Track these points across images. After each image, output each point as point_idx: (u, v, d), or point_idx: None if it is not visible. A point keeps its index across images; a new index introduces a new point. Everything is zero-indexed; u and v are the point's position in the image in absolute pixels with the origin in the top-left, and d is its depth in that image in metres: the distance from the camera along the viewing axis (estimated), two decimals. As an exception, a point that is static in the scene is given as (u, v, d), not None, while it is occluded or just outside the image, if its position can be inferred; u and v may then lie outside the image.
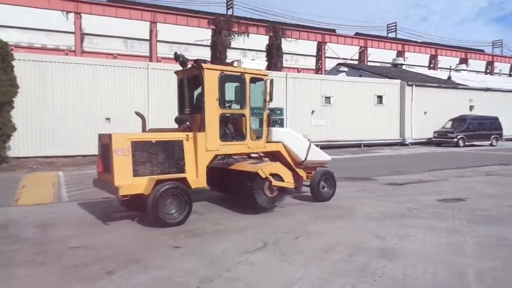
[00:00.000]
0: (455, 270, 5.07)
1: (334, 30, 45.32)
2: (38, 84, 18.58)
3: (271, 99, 8.60)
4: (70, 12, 30.26)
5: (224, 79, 8.23)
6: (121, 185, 6.86)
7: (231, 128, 8.51)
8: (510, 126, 33.69)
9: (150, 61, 31.12)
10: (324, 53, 41.24)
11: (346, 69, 34.96)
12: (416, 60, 50.24)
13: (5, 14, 29.78)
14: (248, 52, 41.34)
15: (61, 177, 13.57)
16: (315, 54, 42.64)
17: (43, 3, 29.28)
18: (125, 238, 6.50)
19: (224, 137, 8.24)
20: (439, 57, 52.33)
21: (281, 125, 25.38)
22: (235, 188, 9.01)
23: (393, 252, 5.75)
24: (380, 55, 47.65)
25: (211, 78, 7.91)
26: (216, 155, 8.40)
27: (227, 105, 8.77)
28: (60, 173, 14.78)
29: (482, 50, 60.49)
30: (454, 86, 34.18)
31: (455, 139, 29.17)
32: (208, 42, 34.69)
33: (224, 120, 8.32)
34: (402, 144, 30.34)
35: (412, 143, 30.48)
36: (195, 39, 37.49)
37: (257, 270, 5.12)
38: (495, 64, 57.97)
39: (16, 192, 10.70)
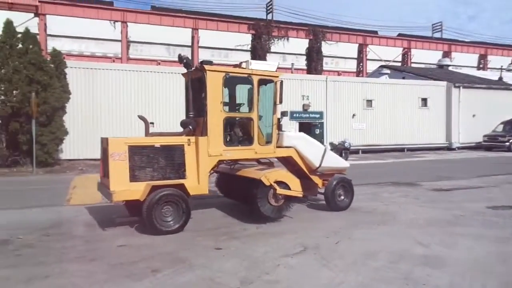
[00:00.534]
0: (505, 281, 4.84)
1: (376, 32, 44.38)
2: (88, 90, 19.58)
3: (280, 102, 8.10)
4: (117, 21, 31.63)
5: (229, 81, 7.87)
6: (116, 191, 6.66)
7: (239, 132, 8.11)
8: None
9: (192, 67, 31.88)
10: (366, 55, 40.48)
11: (388, 71, 34.14)
12: (464, 61, 48.17)
13: (58, 24, 31.59)
14: (287, 56, 41.37)
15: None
16: (356, 56, 41.94)
17: (93, 14, 30.79)
18: (168, 239, 6.69)
19: (228, 141, 7.90)
20: (489, 57, 49.86)
21: (321, 129, 25.20)
22: (241, 195, 8.51)
23: (438, 260, 5.57)
24: (424, 56, 46.12)
25: (214, 80, 7.52)
26: (220, 161, 7.95)
27: (237, 108, 8.51)
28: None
29: (536, 49, 56.97)
30: (506, 87, 32.45)
31: (507, 143, 27.64)
32: (248, 47, 35.03)
33: (230, 124, 7.99)
34: (449, 148, 29.15)
35: (459, 148, 29.22)
36: (235, 44, 38.01)
37: (297, 273, 5.13)
38: (552, 63, 54.37)
39: (67, 193, 11.32)
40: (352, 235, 6.88)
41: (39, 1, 28.37)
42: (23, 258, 5.67)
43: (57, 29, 32.28)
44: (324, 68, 38.14)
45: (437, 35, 50.15)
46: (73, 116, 18.71)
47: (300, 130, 24.80)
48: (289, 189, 7.76)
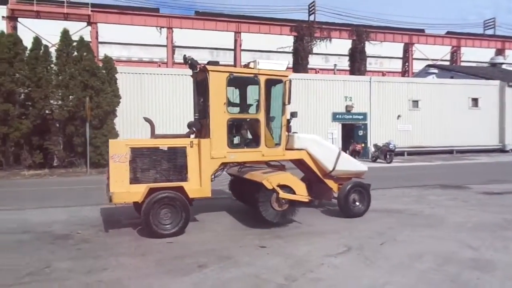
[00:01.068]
0: (562, 287, 4.63)
1: (423, 30, 42.93)
2: (136, 94, 20.48)
3: (289, 102, 7.79)
4: (163, 27, 32.70)
5: (234, 81, 7.61)
6: (115, 192, 6.63)
7: (246, 134, 7.91)
8: None
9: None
10: (412, 55, 39.24)
11: (436, 70, 32.97)
12: (519, 58, 45.46)
13: (108, 32, 33.19)
14: (330, 57, 41.01)
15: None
16: (401, 56, 40.80)
17: (140, 21, 32.05)
18: (214, 237, 6.94)
19: (233, 143, 7.68)
20: (547, 54, 46.69)
21: (364, 130, 24.80)
22: (251, 199, 8.02)
23: (488, 264, 5.41)
24: (475, 55, 44.01)
25: (217, 80, 7.29)
26: (224, 163, 7.72)
27: (248, 109, 8.30)
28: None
29: None
30: None
31: None
32: (290, 49, 35.04)
33: (236, 126, 7.79)
34: (502, 150, 27.71)
35: (513, 149, 27.70)
36: (277, 47, 38.17)
37: (341, 272, 5.18)
38: None
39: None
40: (397, 237, 6.80)
41: (91, 11, 29.94)
42: (82, 252, 6.11)
43: (107, 36, 33.92)
44: (368, 69, 37.42)
45: (490, 32, 47.70)
46: (123, 119, 19.64)
47: (343, 132, 24.65)
48: (294, 193, 7.32)
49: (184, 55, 7.85)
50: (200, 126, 7.69)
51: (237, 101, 8.52)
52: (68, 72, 17.76)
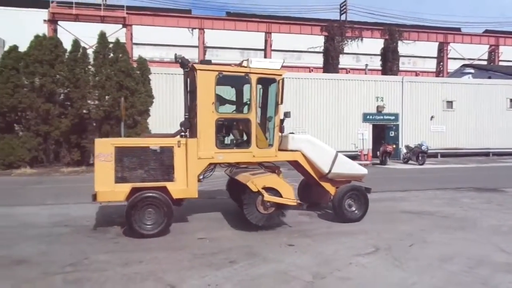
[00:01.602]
0: None
1: (459, 29, 41.68)
2: (169, 94, 20.99)
3: (281, 102, 7.57)
4: (195, 28, 33.28)
5: (223, 80, 7.44)
6: (100, 191, 6.66)
7: (237, 134, 7.74)
8: None
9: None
10: (447, 54, 38.14)
11: (472, 70, 31.93)
12: None
13: (141, 34, 34.10)
14: (361, 57, 40.51)
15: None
16: (436, 55, 39.73)
17: (173, 23, 32.74)
18: (244, 234, 7.10)
19: (222, 144, 7.54)
20: None
21: (396, 131, 24.38)
22: (239, 200, 7.93)
23: (522, 269, 5.31)
24: (515, 54, 42.24)
25: (205, 79, 7.16)
26: (212, 164, 7.59)
27: (241, 108, 8.09)
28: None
29: None
30: None
31: None
32: (321, 49, 34.85)
33: (227, 126, 7.67)
34: (542, 153, 26.52)
35: (555, 153, 26.46)
36: (307, 47, 38.05)
37: (369, 272, 5.22)
38: None
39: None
40: (427, 239, 6.75)
41: (126, 13, 30.86)
42: (120, 245, 6.42)
43: (141, 37, 34.86)
44: (400, 69, 36.67)
45: (531, 29, 45.62)
46: (155, 119, 20.17)
47: (373, 132, 24.33)
48: (280, 196, 7.07)
49: (175, 54, 7.74)
50: (189, 126, 7.59)
51: (235, 100, 8.39)
52: (104, 73, 18.44)
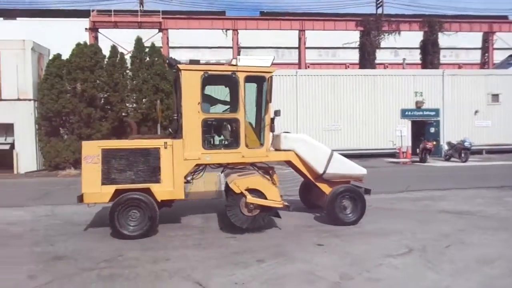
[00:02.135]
0: None
1: (505, 17, 39.49)
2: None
3: (270, 100, 7.42)
4: (229, 29, 33.57)
5: (209, 80, 7.30)
6: (87, 193, 6.73)
7: (227, 135, 7.55)
8: None
9: (299, 68, 32.34)
10: (492, 45, 36.20)
11: (520, 60, 30.16)
12: None
13: (176, 37, 34.81)
14: (400, 51, 39.28)
15: (222, 177, 15.26)
16: (480, 46, 37.83)
17: (207, 25, 33.20)
18: (273, 233, 7.09)
19: (209, 144, 7.40)
20: None
21: (437, 127, 23.48)
22: None
23: None
24: None
25: (190, 79, 7.06)
26: (199, 165, 7.50)
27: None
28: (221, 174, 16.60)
29: None
30: None
31: None
32: (356, 44, 34.12)
33: (216, 126, 7.50)
34: None
35: None
36: (342, 43, 37.40)
37: (399, 273, 5.04)
38: None
39: (187, 187, 12.51)
40: (466, 240, 6.44)
41: (162, 18, 31.62)
42: (151, 243, 6.58)
43: (177, 41, 35.62)
44: (441, 61, 35.20)
45: None
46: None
47: (412, 129, 23.53)
48: (266, 198, 6.86)
49: (164, 56, 7.53)
50: (177, 127, 7.49)
51: (230, 100, 8.21)
52: (141, 77, 19.01)
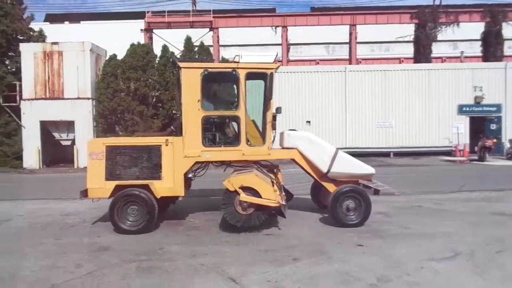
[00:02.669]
0: None
1: None
2: (248, 92, 21.44)
3: (270, 97, 7.33)
4: (278, 26, 33.51)
5: (209, 77, 7.30)
6: (91, 188, 6.98)
7: (227, 132, 7.52)
8: None
9: (350, 63, 31.61)
10: None
11: None
12: None
13: (226, 36, 35.32)
14: (459, 44, 37.09)
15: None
16: (552, 35, 34.72)
17: (256, 22, 33.37)
18: (312, 231, 6.99)
19: (209, 142, 7.34)
20: None
21: (498, 123, 21.98)
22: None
23: None
24: None
25: (190, 77, 7.12)
26: (199, 162, 7.52)
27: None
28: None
29: None
30: None
31: None
32: (411, 38, 32.68)
33: (215, 123, 7.45)
34: None
35: None
36: (396, 37, 35.98)
37: (441, 278, 4.78)
38: None
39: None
40: (521, 245, 5.97)
41: (213, 17, 32.24)
42: (190, 237, 6.76)
43: (227, 39, 36.14)
44: (506, 54, 32.80)
45: None
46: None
47: (471, 126, 22.16)
48: (260, 197, 6.65)
49: (166, 55, 7.65)
50: (179, 124, 7.53)
51: (231, 97, 8.20)
52: (190, 75, 19.51)
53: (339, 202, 7.15)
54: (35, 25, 24.07)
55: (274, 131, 7.68)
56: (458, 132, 21.29)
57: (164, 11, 32.29)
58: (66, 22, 39.23)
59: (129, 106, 19.25)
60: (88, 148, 7.22)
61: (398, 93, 22.28)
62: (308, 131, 8.81)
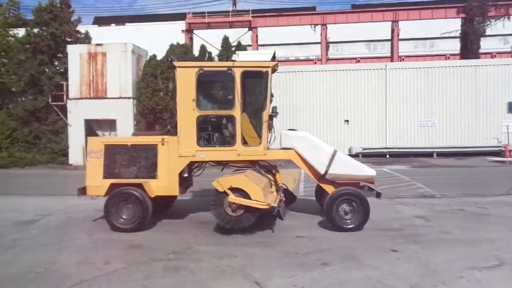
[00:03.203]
0: None
1: None
2: (287, 92, 21.31)
3: (266, 96, 7.16)
4: (317, 24, 32.99)
5: (205, 76, 7.22)
6: (90, 186, 7.15)
7: (226, 132, 7.38)
8: None
9: (391, 61, 30.58)
10: None
11: None
12: None
13: (266, 35, 35.25)
14: (510, 38, 34.96)
15: (302, 174, 15.07)
16: None
17: (296, 21, 33.01)
18: (346, 235, 6.72)
19: (204, 141, 7.27)
20: None
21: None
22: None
23: None
24: None
25: (185, 76, 7.11)
26: (193, 162, 7.49)
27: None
28: (302, 170, 16.42)
29: None
30: None
31: None
32: (457, 33, 31.14)
33: (211, 123, 7.35)
34: None
35: None
36: (441, 32, 34.43)
37: (482, 290, 4.43)
38: None
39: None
40: None
41: (252, 17, 32.26)
42: (219, 238, 6.68)
43: (266, 38, 36.06)
44: None
45: None
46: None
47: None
48: (249, 198, 6.45)
49: (166, 55, 7.68)
50: (175, 123, 7.53)
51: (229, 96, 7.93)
52: (228, 74, 19.63)
53: (334, 205, 6.90)
54: (82, 28, 25.11)
55: (272, 130, 7.64)
56: (508, 131, 20.04)
57: (204, 12, 32.71)
58: (113, 25, 40.68)
59: (167, 105, 19.63)
60: (88, 146, 7.44)
61: (441, 91, 21.29)
62: (313, 132, 8.59)
